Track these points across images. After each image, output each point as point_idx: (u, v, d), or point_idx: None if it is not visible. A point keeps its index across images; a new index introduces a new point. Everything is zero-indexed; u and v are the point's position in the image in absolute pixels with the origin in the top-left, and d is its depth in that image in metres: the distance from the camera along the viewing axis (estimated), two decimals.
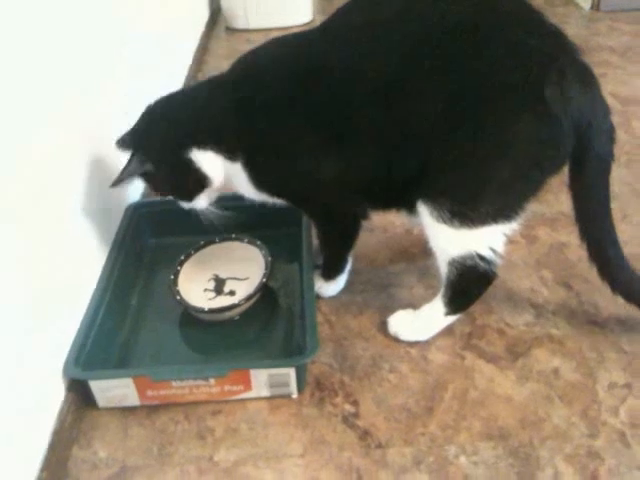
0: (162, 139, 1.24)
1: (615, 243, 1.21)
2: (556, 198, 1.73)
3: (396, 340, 1.34)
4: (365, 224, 1.36)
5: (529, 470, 1.09)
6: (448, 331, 1.35)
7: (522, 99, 1.05)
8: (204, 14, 3.27)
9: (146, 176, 1.28)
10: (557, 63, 1.04)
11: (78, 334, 1.25)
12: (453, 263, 1.20)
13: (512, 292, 1.46)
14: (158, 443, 1.17)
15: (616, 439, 1.13)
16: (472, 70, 1.05)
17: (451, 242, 1.18)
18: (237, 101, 1.20)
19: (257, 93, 1.19)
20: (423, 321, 1.34)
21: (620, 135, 1.14)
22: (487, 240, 1.17)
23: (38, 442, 1.09)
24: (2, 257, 0.99)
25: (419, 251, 1.59)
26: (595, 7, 3.24)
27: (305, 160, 1.21)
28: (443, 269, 1.24)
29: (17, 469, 1.03)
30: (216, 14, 3.48)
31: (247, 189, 1.29)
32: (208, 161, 1.23)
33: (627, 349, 1.30)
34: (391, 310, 1.38)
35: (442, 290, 1.28)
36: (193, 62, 2.70)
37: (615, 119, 1.13)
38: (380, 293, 1.48)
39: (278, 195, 1.30)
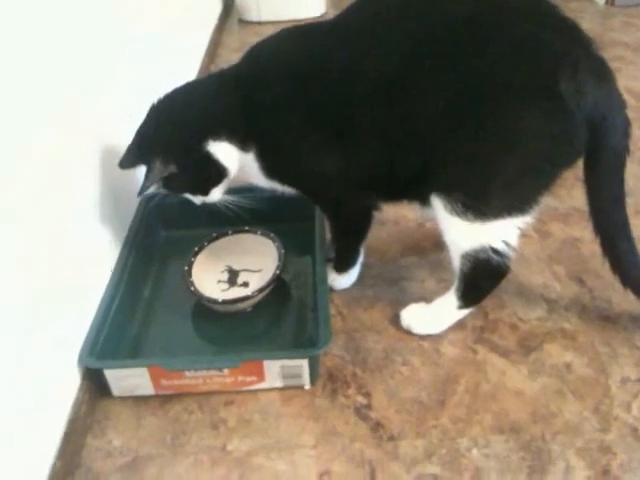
0: (179, 137, 1.23)
1: (628, 238, 1.21)
2: (569, 193, 1.73)
3: (408, 333, 1.35)
4: (376, 217, 1.36)
5: (540, 464, 1.09)
6: (460, 325, 1.35)
7: (527, 95, 1.05)
8: (217, 7, 3.27)
9: (166, 178, 1.27)
10: (570, 57, 1.04)
11: (92, 326, 1.26)
12: (466, 256, 1.20)
13: (524, 287, 1.46)
14: (171, 432, 1.18)
15: (628, 434, 1.13)
16: (472, 68, 1.06)
17: (465, 235, 1.18)
18: (243, 98, 1.21)
19: (261, 91, 1.20)
20: (436, 314, 1.35)
21: (634, 131, 1.14)
22: (501, 233, 1.18)
23: (53, 431, 1.10)
24: (11, 256, 0.99)
25: (430, 244, 1.59)
26: (610, 2, 3.23)
27: (309, 158, 1.22)
28: (456, 262, 1.24)
29: (32, 458, 1.04)
30: (229, 6, 3.48)
31: (258, 178, 1.30)
32: (224, 152, 1.24)
33: None
34: (402, 304, 1.39)
35: (455, 283, 1.28)
36: (206, 55, 2.71)
37: (629, 114, 1.12)
38: (391, 287, 1.49)
39: (289, 185, 1.31)
